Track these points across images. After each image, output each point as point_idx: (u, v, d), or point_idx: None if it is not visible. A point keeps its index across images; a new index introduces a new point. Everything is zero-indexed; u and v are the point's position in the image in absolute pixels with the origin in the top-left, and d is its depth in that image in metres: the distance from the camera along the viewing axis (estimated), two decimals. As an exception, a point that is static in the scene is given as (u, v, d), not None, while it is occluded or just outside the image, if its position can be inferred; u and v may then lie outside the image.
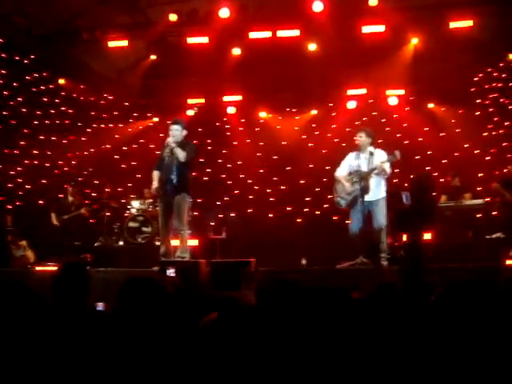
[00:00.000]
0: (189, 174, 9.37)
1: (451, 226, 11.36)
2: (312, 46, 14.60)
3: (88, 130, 15.72)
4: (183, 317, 3.26)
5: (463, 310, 2.73)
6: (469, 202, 11.43)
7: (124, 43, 14.44)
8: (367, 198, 9.32)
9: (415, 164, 14.97)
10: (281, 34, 14.08)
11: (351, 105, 15.80)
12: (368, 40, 13.96)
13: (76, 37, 14.77)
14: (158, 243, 12.26)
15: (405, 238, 10.97)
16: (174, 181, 9.05)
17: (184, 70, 15.28)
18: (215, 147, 16.63)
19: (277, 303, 3.17)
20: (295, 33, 14.11)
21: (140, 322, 2.76)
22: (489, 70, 15.24)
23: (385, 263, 9.24)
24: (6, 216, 12.19)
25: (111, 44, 14.45)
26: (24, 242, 11.82)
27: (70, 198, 12.57)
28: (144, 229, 12.49)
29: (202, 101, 16.41)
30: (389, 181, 9.82)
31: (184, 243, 9.22)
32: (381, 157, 9.37)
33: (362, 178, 9.35)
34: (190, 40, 14.47)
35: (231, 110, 16.40)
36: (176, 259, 8.85)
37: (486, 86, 15.29)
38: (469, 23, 13.49)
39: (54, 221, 12.30)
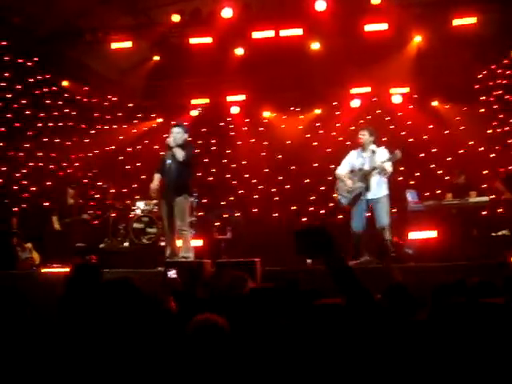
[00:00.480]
0: (189, 175, 9.37)
1: (456, 224, 11.31)
2: (315, 45, 14.60)
3: (92, 131, 15.75)
4: (167, 319, 3.25)
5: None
6: (474, 199, 11.38)
7: (127, 44, 14.47)
8: (369, 196, 9.32)
9: (420, 161, 14.93)
10: (284, 33, 14.09)
11: (355, 103, 15.76)
12: (371, 38, 13.97)
13: (79, 38, 14.81)
14: (163, 244, 12.25)
15: None
16: (175, 182, 9.07)
17: (187, 71, 15.30)
18: (219, 147, 16.65)
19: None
20: (298, 32, 14.11)
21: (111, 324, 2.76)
22: (493, 66, 15.22)
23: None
24: (12, 218, 12.20)
25: (114, 45, 14.49)
26: (29, 245, 11.83)
27: (71, 201, 12.54)
28: (149, 230, 12.46)
29: (206, 101, 16.43)
30: (393, 179, 9.80)
31: (187, 243, 9.21)
32: (382, 155, 9.36)
33: (363, 176, 9.35)
34: (193, 40, 14.50)
35: (235, 109, 16.39)
36: (180, 259, 8.84)
37: (490, 83, 15.26)
38: (472, 20, 13.48)
39: (56, 225, 12.28)
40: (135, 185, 15.13)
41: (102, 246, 12.67)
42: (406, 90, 15.53)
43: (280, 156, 16.09)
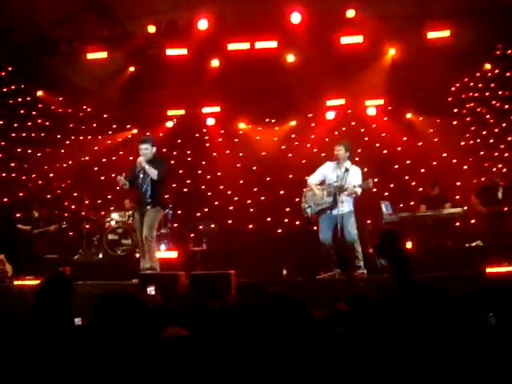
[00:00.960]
0: (162, 188, 9.46)
1: (431, 235, 11.40)
2: (290, 57, 14.67)
3: (67, 141, 15.63)
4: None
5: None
6: (448, 210, 11.48)
7: (103, 55, 14.43)
8: (335, 211, 9.38)
9: (394, 173, 15.04)
10: (259, 45, 14.15)
11: (330, 115, 15.82)
12: (346, 50, 14.09)
13: (54, 48, 14.71)
14: (137, 255, 12.19)
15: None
16: (149, 197, 9.10)
17: (163, 82, 15.27)
18: (195, 158, 16.61)
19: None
20: (273, 44, 14.19)
21: (117, 338, 2.70)
22: (466, 79, 15.40)
23: (364, 272, 9.27)
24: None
25: (90, 56, 14.43)
26: (1, 256, 11.68)
27: (36, 214, 12.43)
28: (124, 241, 12.40)
29: (182, 112, 16.38)
30: (367, 191, 9.87)
31: (152, 253, 9.17)
32: (355, 176, 9.48)
33: (333, 193, 9.42)
34: (169, 52, 14.50)
35: (210, 121, 16.38)
36: (149, 271, 8.79)
37: (463, 96, 15.44)
38: (446, 33, 13.66)
39: (24, 227, 12.17)
40: (110, 196, 15.03)
41: (75, 257, 12.57)
42: (381, 102, 15.62)
43: (255, 167, 16.08)
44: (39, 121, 15.00)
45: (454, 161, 14.60)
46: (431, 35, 13.75)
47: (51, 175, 15.00)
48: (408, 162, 15.25)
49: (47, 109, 15.29)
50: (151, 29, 14.29)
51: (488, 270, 8.78)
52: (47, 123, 15.17)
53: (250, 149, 16.22)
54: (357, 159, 10.17)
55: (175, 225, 13.44)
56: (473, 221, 12.23)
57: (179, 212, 14.27)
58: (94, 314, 2.79)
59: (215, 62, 15.04)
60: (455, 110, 15.39)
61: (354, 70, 14.86)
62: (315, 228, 12.91)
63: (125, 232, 12.49)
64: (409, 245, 10.70)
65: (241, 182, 15.69)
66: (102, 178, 15.81)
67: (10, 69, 14.37)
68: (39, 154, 14.67)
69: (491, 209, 11.29)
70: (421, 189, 13.91)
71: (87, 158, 15.86)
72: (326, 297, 6.41)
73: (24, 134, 14.46)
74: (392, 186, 14.65)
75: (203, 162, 16.50)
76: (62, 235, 12.90)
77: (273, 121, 16.66)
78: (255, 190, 15.67)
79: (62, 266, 11.63)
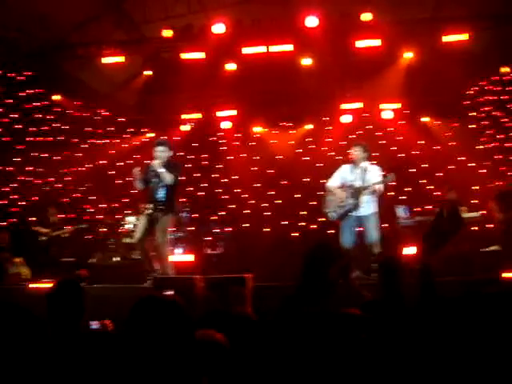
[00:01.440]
0: (176, 193, 9.38)
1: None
2: (306, 61, 14.66)
3: (83, 145, 15.72)
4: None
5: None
6: (464, 215, 11.41)
7: (119, 59, 14.49)
8: (359, 213, 9.33)
9: (410, 177, 14.99)
10: (275, 49, 14.14)
11: (346, 119, 15.80)
12: (362, 54, 14.06)
13: (71, 53, 14.82)
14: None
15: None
16: (163, 201, 9.06)
17: (179, 86, 15.30)
18: (210, 162, 16.65)
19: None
20: (289, 48, 14.17)
21: (154, 343, 2.63)
22: (482, 83, 15.33)
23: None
24: (1, 233, 12.14)
25: (106, 60, 14.49)
26: (19, 259, 11.76)
27: (51, 218, 12.54)
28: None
29: (197, 116, 16.43)
30: (384, 195, 9.83)
31: (164, 259, 9.18)
32: (375, 174, 9.39)
33: (354, 194, 9.36)
34: (185, 55, 14.53)
35: (226, 124, 16.40)
36: (169, 276, 8.81)
37: (480, 100, 15.37)
38: (463, 37, 13.58)
39: (42, 230, 12.27)
40: (126, 200, 15.09)
41: (92, 260, 12.62)
42: (397, 105, 15.60)
43: (271, 171, 16.11)
44: (56, 125, 15.08)
45: (471, 165, 14.53)
46: (447, 39, 13.67)
47: (68, 179, 15.09)
48: (424, 165, 15.20)
49: (64, 113, 15.39)
50: (167, 33, 14.33)
51: (504, 274, 8.71)
52: (64, 127, 15.25)
53: (265, 152, 16.25)
54: (372, 162, 10.13)
55: (191, 228, 13.47)
56: (490, 225, 12.14)
57: (195, 215, 14.31)
58: (132, 318, 2.71)
59: (231, 66, 15.05)
60: (471, 114, 15.32)
61: (370, 73, 14.85)
62: (332, 231, 13.01)
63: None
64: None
65: (256, 185, 15.70)
66: (119, 181, 15.88)
67: (27, 73, 14.47)
68: (56, 158, 14.74)
69: (508, 215, 11.19)
70: (438, 193, 13.85)
71: (104, 162, 15.95)
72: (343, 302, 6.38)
73: (41, 139, 14.55)
74: (408, 189, 14.61)
75: (219, 166, 16.53)
76: (78, 238, 12.97)
77: (288, 124, 16.67)
78: (271, 193, 15.69)
79: (78, 269, 11.70)
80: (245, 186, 15.70)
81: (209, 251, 12.92)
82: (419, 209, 13.40)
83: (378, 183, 9.27)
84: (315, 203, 14.56)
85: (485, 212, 11.87)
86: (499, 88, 15.18)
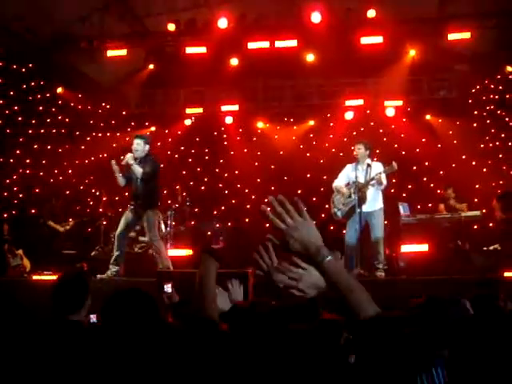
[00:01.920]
0: (153, 188, 9.40)
1: (448, 238, 11.33)
2: (310, 57, 14.64)
3: (86, 138, 15.70)
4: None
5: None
6: (466, 213, 11.40)
7: (122, 52, 14.48)
8: (364, 208, 9.35)
9: (412, 174, 14.97)
10: (279, 44, 14.12)
11: (349, 115, 15.78)
12: (366, 51, 14.03)
13: (74, 46, 14.80)
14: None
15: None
16: (141, 197, 9.12)
17: (182, 80, 15.29)
18: (212, 157, 16.62)
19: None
20: (293, 43, 14.15)
21: (127, 334, 2.73)
22: (486, 81, 15.29)
23: (382, 274, 9.23)
24: (3, 225, 12.15)
25: (109, 53, 14.49)
26: (20, 251, 11.77)
27: (54, 209, 12.58)
28: (141, 238, 12.42)
29: (200, 110, 16.40)
30: (385, 192, 9.84)
31: (162, 254, 9.24)
32: (378, 169, 9.41)
33: (359, 189, 9.37)
34: (189, 50, 14.53)
35: (229, 119, 16.37)
36: (167, 270, 8.85)
37: (483, 98, 15.33)
38: (467, 35, 13.56)
39: (58, 227, 12.32)
40: (127, 193, 15.05)
41: (93, 253, 12.62)
42: (400, 103, 15.56)
43: (273, 166, 16.07)
44: (59, 117, 15.07)
45: (473, 163, 14.51)
46: (452, 37, 13.66)
47: (70, 171, 15.07)
48: (427, 163, 15.17)
49: (67, 105, 15.37)
50: (171, 27, 14.33)
51: (506, 274, 8.72)
52: (67, 120, 15.24)
53: (267, 148, 16.22)
54: (375, 159, 10.13)
55: (192, 223, 13.46)
56: (491, 224, 12.13)
57: (196, 210, 14.30)
58: (106, 311, 2.83)
59: (234, 61, 15.04)
60: (475, 112, 15.28)
61: (374, 70, 14.84)
62: (332, 228, 13.01)
63: (142, 229, 12.50)
64: (426, 247, 10.64)
65: (258, 180, 15.68)
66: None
67: (30, 65, 14.45)
68: (59, 150, 14.73)
69: (508, 215, 11.18)
70: (439, 191, 13.84)
71: (106, 155, 15.93)
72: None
73: (42, 131, 14.53)
74: (410, 187, 14.59)
75: (221, 161, 16.50)
76: (79, 231, 12.96)
77: (291, 120, 16.63)
78: (272, 188, 15.65)
79: (80, 262, 11.71)
80: (246, 181, 15.68)
81: (210, 246, 12.91)
82: (420, 207, 13.36)
83: (382, 172, 9.28)
84: (316, 199, 14.59)
85: (486, 211, 11.86)
86: (503, 87, 15.14)
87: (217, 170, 16.38)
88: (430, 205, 13.30)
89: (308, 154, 15.96)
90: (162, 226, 12.78)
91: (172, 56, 15.42)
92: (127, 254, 12.29)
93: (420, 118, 15.69)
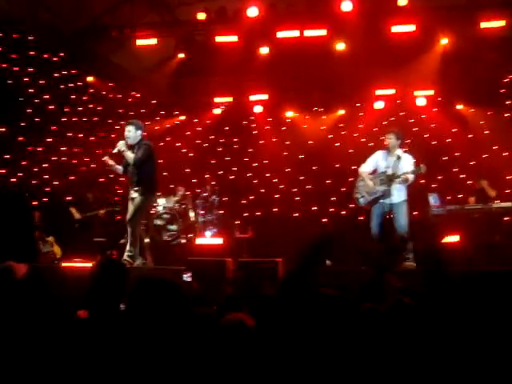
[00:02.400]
0: (147, 174, 9.27)
1: (479, 229, 11.23)
2: (340, 46, 14.53)
3: (116, 127, 15.79)
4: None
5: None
6: (497, 204, 11.28)
7: (153, 41, 14.55)
8: (389, 200, 9.33)
9: (442, 165, 14.83)
10: (308, 33, 14.05)
11: (379, 105, 15.65)
12: (397, 40, 13.91)
13: (105, 35, 14.89)
14: (183, 241, 12.31)
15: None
16: (135, 183, 9.14)
17: (211, 69, 15.28)
18: (241, 146, 16.62)
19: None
20: (323, 32, 14.08)
21: (152, 322, 2.74)
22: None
23: (413, 264, 9.17)
24: (34, 212, 12.30)
25: (140, 42, 14.56)
26: (51, 238, 11.93)
27: (90, 196, 12.69)
28: (170, 227, 12.51)
29: (229, 99, 16.40)
30: (414, 183, 9.78)
31: (132, 240, 9.21)
32: (407, 163, 9.39)
33: (385, 181, 9.35)
34: (218, 38, 14.53)
35: (258, 108, 16.34)
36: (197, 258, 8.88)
37: (516, 88, 15.11)
38: (500, 23, 13.36)
39: (76, 215, 12.41)
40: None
41: (122, 241, 12.72)
42: (431, 92, 15.39)
43: (302, 156, 16.04)
44: (90, 106, 15.19)
45: (505, 154, 14.32)
46: (485, 25, 13.46)
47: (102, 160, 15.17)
48: (457, 154, 15.01)
49: (97, 94, 15.48)
50: (201, 15, 14.33)
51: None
52: (98, 108, 15.35)
53: (297, 137, 16.18)
54: (405, 150, 10.05)
55: (221, 212, 13.51)
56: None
57: (225, 199, 14.34)
58: (131, 298, 2.84)
59: (264, 50, 14.98)
60: (507, 102, 15.07)
61: (405, 59, 14.67)
62: (361, 218, 12.97)
63: (171, 218, 12.60)
64: (456, 238, 10.55)
65: (287, 170, 15.67)
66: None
67: (61, 54, 14.56)
68: (92, 139, 14.86)
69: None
70: (470, 182, 13.71)
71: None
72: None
73: (75, 119, 14.66)
74: (440, 177, 14.47)
75: (250, 150, 16.51)
76: (110, 219, 13.07)
77: (321, 109, 16.54)
78: (301, 178, 15.65)
79: (110, 250, 11.82)
80: (275, 171, 15.68)
81: (238, 235, 12.96)
82: (450, 198, 13.25)
83: (409, 173, 9.26)
84: (345, 189, 14.54)
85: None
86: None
87: (246, 160, 16.39)
88: (460, 196, 13.19)
89: (337, 144, 15.89)
90: (192, 214, 12.88)
91: (202, 45, 15.41)
92: (156, 242, 12.43)
93: (451, 108, 15.51)
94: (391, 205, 9.39)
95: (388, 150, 9.58)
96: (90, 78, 15.30)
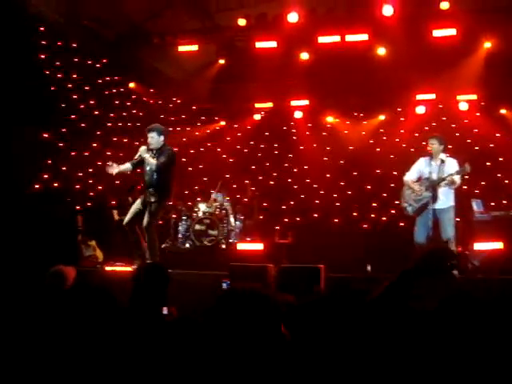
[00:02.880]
0: (166, 179, 9.24)
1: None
2: (381, 50, 14.46)
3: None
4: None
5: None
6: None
7: (194, 48, 14.68)
8: (436, 206, 9.19)
9: (486, 170, 14.61)
10: (349, 38, 14.01)
11: (420, 110, 15.50)
12: (439, 44, 13.77)
13: (146, 41, 15.07)
14: (223, 246, 12.34)
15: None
16: (153, 187, 9.09)
17: (252, 74, 15.34)
18: (282, 151, 16.64)
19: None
20: (364, 37, 14.01)
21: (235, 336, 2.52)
22: None
23: (456, 273, 9.03)
24: (77, 216, 12.45)
25: (181, 48, 14.70)
26: (93, 242, 12.05)
27: (130, 199, 12.81)
28: (210, 232, 12.53)
29: (270, 105, 16.45)
30: (458, 189, 9.63)
31: (151, 244, 9.19)
32: (452, 166, 9.23)
33: (431, 186, 9.22)
34: (259, 44, 14.57)
35: (298, 114, 16.34)
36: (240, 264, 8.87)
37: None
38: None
39: (116, 216, 12.52)
40: (197, 187, 15.24)
41: (163, 246, 12.82)
42: (473, 97, 15.20)
43: (342, 161, 15.97)
44: (133, 111, 15.37)
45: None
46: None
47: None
48: (501, 159, 14.78)
49: (139, 100, 15.66)
50: (241, 22, 14.41)
51: None
52: (140, 114, 15.52)
53: (337, 143, 16.13)
54: (447, 155, 9.93)
55: (261, 217, 13.51)
56: None
57: (265, 204, 14.34)
58: (217, 309, 2.58)
59: (304, 55, 14.99)
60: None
61: (446, 63, 14.52)
62: (402, 224, 12.83)
63: (212, 223, 12.63)
64: (500, 245, 10.37)
65: (327, 175, 15.61)
66: (190, 168, 16.05)
67: (104, 61, 14.78)
68: (137, 143, 15.03)
69: None
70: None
71: (176, 149, 16.12)
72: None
73: (120, 124, 14.84)
74: (484, 183, 14.25)
75: (290, 155, 16.51)
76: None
77: (361, 115, 16.49)
78: (342, 184, 15.57)
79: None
80: (315, 177, 15.61)
81: (278, 240, 12.93)
82: (494, 203, 13.04)
83: (455, 174, 9.11)
84: (386, 195, 14.42)
85: None
86: None
87: (286, 165, 16.38)
88: (504, 202, 12.98)
89: (378, 149, 15.79)
90: (232, 220, 12.90)
91: (242, 51, 15.49)
92: (197, 248, 12.48)
93: (494, 113, 15.30)
94: (438, 210, 9.23)
95: (431, 155, 9.46)
96: (131, 84, 15.49)
